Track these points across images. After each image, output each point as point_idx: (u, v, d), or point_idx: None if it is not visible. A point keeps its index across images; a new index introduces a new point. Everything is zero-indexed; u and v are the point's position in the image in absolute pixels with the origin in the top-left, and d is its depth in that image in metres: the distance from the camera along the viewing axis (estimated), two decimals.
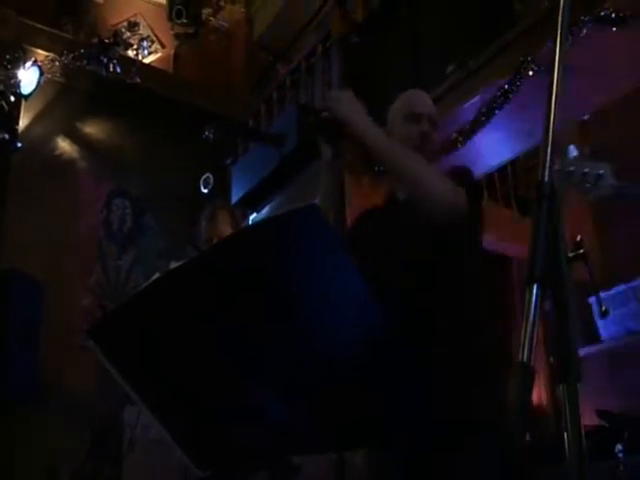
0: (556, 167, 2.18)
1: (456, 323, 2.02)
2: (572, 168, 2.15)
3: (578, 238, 1.28)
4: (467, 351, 1.99)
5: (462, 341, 2.00)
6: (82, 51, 5.59)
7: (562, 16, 1.19)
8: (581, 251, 1.23)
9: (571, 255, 1.10)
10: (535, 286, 0.93)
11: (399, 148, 2.03)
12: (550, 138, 1.03)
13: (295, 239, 1.06)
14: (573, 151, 2.16)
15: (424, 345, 1.86)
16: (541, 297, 0.93)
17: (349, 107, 2.01)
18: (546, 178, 0.99)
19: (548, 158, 1.01)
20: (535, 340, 0.91)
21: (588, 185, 2.11)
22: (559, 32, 1.15)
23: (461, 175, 2.16)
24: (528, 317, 0.92)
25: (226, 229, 3.14)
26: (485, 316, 2.12)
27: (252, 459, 1.55)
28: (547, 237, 0.95)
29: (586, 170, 2.11)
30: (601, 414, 3.91)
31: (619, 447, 3.51)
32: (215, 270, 1.13)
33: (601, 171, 2.11)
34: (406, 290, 2.06)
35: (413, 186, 1.98)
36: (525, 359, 0.90)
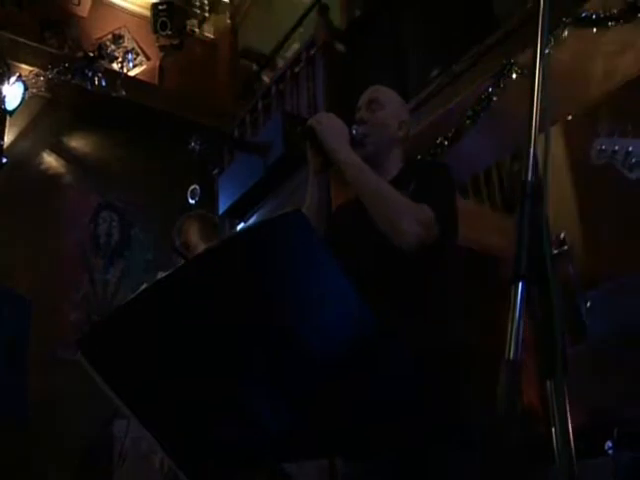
0: (600, 147, 2.17)
1: (424, 323, 2.01)
2: (616, 147, 2.13)
3: (562, 235, 1.28)
4: (435, 352, 1.98)
5: (429, 341, 1.97)
6: (66, 65, 5.57)
7: (542, 19, 1.19)
8: (565, 248, 1.23)
9: (555, 252, 1.10)
10: (520, 283, 0.92)
11: (373, 180, 2.02)
12: (533, 138, 1.03)
13: (281, 244, 1.05)
14: (615, 129, 2.14)
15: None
16: (526, 294, 0.92)
17: (328, 131, 2.06)
18: (529, 177, 0.99)
19: (531, 157, 1.01)
20: (521, 337, 0.90)
21: (632, 163, 2.09)
22: (539, 35, 1.15)
23: (438, 171, 2.19)
24: (514, 314, 0.91)
25: (194, 238, 3.12)
26: (457, 315, 2.11)
27: (245, 469, 1.54)
28: (531, 235, 0.95)
29: (630, 148, 2.09)
30: (590, 411, 3.91)
31: (609, 444, 3.50)
32: (202, 277, 1.12)
33: None
34: (376, 289, 2.07)
35: (382, 221, 1.97)
36: (512, 356, 0.90)
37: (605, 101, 3.84)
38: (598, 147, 2.16)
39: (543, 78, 1.15)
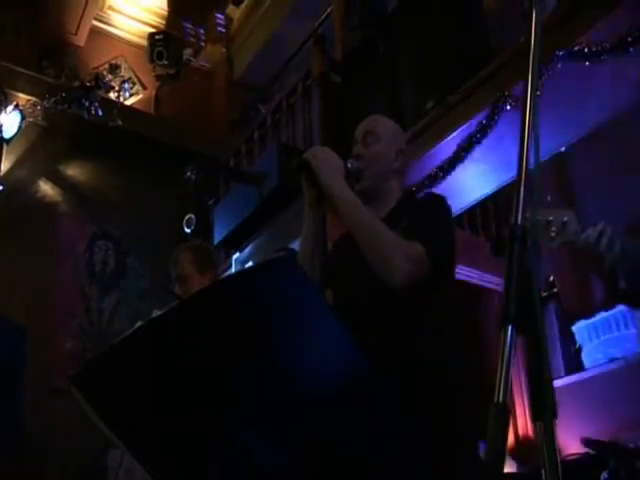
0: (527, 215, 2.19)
1: (416, 358, 2.00)
2: (538, 217, 2.15)
3: (551, 278, 1.28)
4: (428, 389, 1.97)
5: (422, 377, 1.98)
6: (63, 95, 5.59)
7: (533, 54, 1.19)
8: (554, 290, 1.23)
9: (544, 295, 1.11)
10: (509, 327, 0.92)
11: (365, 217, 2.03)
12: (523, 179, 1.04)
13: (274, 288, 1.06)
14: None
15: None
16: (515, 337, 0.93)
17: (323, 165, 2.07)
18: (519, 220, 1.00)
19: (521, 199, 1.02)
20: (511, 380, 0.90)
21: (553, 234, 2.11)
22: (530, 70, 1.16)
23: (433, 204, 2.19)
24: (503, 357, 0.91)
25: (189, 269, 3.12)
26: (453, 348, 2.09)
27: None
28: (520, 278, 0.95)
29: (550, 218, 2.11)
30: (587, 442, 3.89)
31: (605, 475, 3.50)
32: (195, 318, 1.13)
33: (565, 218, 2.11)
34: (370, 323, 2.05)
35: (372, 258, 1.98)
36: (501, 400, 0.90)
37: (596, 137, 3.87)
38: (544, 219, 2.18)
39: (534, 115, 1.15)
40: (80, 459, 5.47)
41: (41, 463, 5.38)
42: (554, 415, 0.94)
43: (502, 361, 0.90)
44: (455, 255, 2.19)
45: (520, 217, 1.00)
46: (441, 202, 2.23)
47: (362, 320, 2.10)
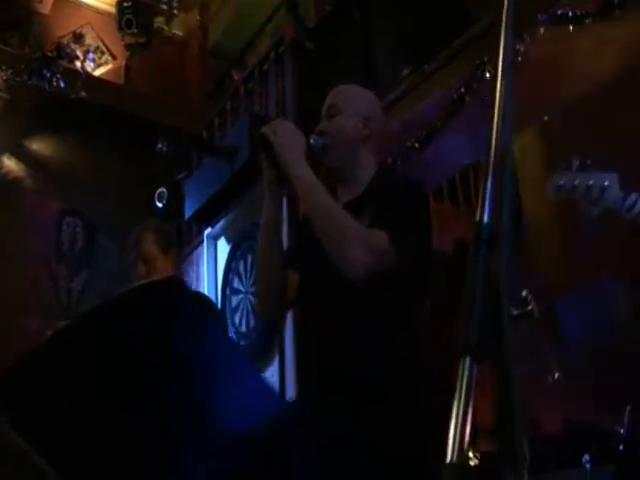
0: (559, 182, 2.01)
1: (375, 348, 1.88)
2: (576, 182, 1.97)
3: (524, 294, 1.08)
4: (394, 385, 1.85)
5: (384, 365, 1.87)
6: (23, 66, 5.31)
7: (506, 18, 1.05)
8: (529, 308, 1.02)
9: (516, 313, 0.90)
10: (467, 359, 0.71)
11: (323, 201, 1.87)
12: (491, 170, 0.83)
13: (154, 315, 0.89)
14: (575, 163, 1.98)
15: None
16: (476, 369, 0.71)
17: (283, 142, 1.89)
18: (486, 218, 0.79)
19: (489, 193, 0.81)
20: (470, 431, 0.69)
21: (593, 199, 1.93)
22: (503, 38, 0.97)
23: (404, 189, 2.02)
24: (459, 401, 0.70)
25: (153, 250, 2.98)
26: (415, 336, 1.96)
27: None
28: (486, 293, 0.74)
29: (590, 182, 1.93)
30: (568, 423, 3.75)
31: (586, 457, 3.37)
32: (87, 339, 0.95)
33: (606, 182, 1.93)
34: (335, 308, 1.94)
35: (329, 247, 1.83)
36: (455, 459, 0.68)
37: (582, 104, 3.67)
38: (556, 182, 2.00)
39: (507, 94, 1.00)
40: None
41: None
42: (525, 465, 0.73)
43: (458, 406, 0.69)
44: (430, 247, 2.01)
45: (487, 215, 0.79)
46: (414, 189, 2.06)
47: (325, 308, 1.98)
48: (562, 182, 2.03)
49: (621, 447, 2.93)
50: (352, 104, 2.12)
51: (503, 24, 1.02)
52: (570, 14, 2.98)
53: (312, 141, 2.03)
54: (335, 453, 1.81)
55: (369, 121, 2.10)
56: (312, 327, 2.06)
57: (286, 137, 1.92)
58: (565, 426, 3.85)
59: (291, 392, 4.00)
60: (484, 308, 0.72)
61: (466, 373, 0.69)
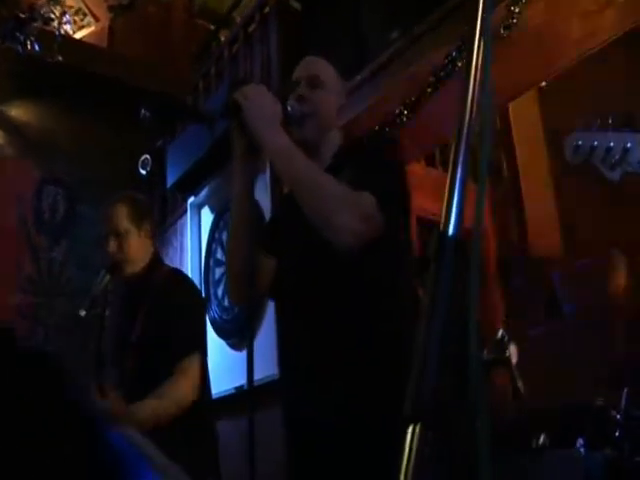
0: (576, 143, 1.85)
1: (372, 324, 1.77)
2: (595, 142, 1.79)
3: (499, 334, 0.89)
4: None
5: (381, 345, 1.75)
6: None
7: None
8: (507, 355, 0.84)
9: (489, 358, 0.72)
10: (417, 428, 0.52)
11: (303, 167, 1.71)
12: (462, 161, 0.65)
13: None
14: (594, 122, 1.81)
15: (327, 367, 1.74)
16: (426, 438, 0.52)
17: (255, 109, 1.73)
18: (451, 227, 0.61)
19: (457, 192, 0.63)
20: None
21: (614, 161, 1.76)
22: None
23: (379, 147, 1.89)
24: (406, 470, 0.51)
25: (124, 224, 2.80)
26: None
27: None
28: (448, 327, 0.55)
29: (611, 144, 1.75)
30: (563, 407, 3.62)
31: (580, 441, 3.24)
32: None
33: (628, 144, 1.75)
34: (318, 288, 1.82)
35: (315, 217, 1.68)
36: None
37: (582, 68, 3.47)
38: (574, 143, 1.81)
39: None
40: None
41: None
42: None
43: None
44: (409, 208, 1.87)
45: (453, 223, 0.61)
46: (391, 144, 1.92)
47: (310, 290, 1.84)
48: (580, 142, 1.85)
49: (617, 433, 2.78)
50: (334, 85, 2.00)
51: None
52: None
53: (289, 108, 1.86)
54: (325, 442, 1.72)
55: (342, 109, 2.03)
56: (294, 312, 1.92)
57: (260, 103, 1.75)
58: (560, 407, 3.72)
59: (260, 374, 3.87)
60: (444, 349, 0.54)
61: (414, 443, 0.50)
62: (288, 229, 1.93)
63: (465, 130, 0.78)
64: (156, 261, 2.91)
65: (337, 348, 1.74)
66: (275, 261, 1.96)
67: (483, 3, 0.85)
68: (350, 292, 1.76)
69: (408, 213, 1.85)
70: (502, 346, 0.80)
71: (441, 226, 0.64)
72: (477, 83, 0.79)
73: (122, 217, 2.82)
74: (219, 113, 1.92)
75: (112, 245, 2.80)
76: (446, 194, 0.69)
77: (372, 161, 1.80)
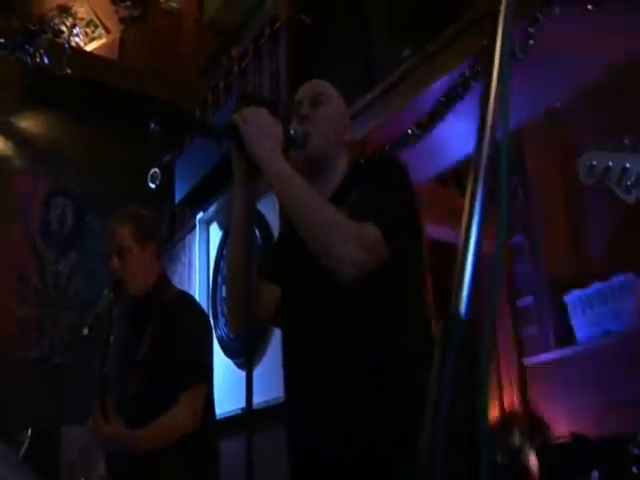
0: (590, 163, 1.78)
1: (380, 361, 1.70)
2: (610, 163, 1.72)
3: (516, 439, 0.81)
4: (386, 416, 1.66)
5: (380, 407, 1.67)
6: (2, 40, 5.02)
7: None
8: (523, 461, 0.76)
9: (503, 463, 0.64)
10: None
11: (304, 195, 1.65)
12: (477, 219, 0.59)
13: None
14: (609, 142, 1.74)
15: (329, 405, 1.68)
16: None
17: (254, 132, 1.67)
18: (461, 306, 0.54)
19: (468, 266, 0.57)
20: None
21: (630, 184, 1.69)
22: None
23: (387, 171, 1.80)
24: None
25: (128, 243, 2.74)
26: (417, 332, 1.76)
27: None
28: (455, 424, 0.49)
29: (627, 165, 1.68)
30: (577, 438, 3.54)
31: (595, 474, 3.17)
32: None
33: None
34: (322, 320, 1.75)
35: (315, 247, 1.62)
36: None
37: (598, 87, 3.39)
38: (587, 163, 1.74)
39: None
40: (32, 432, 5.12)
41: None
42: None
43: None
44: (421, 236, 1.80)
45: (463, 302, 0.54)
46: (398, 168, 1.82)
47: (313, 318, 1.78)
48: (594, 162, 1.78)
49: (635, 469, 2.69)
50: (339, 102, 1.96)
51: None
52: None
53: (292, 131, 1.81)
54: (328, 471, 1.68)
55: (350, 128, 1.98)
56: (298, 339, 1.86)
57: (259, 125, 1.69)
58: (575, 438, 3.64)
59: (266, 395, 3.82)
60: (450, 451, 0.47)
61: None
62: (292, 253, 1.86)
63: (482, 168, 0.71)
64: (163, 281, 2.85)
65: (341, 378, 1.69)
66: (278, 289, 1.90)
67: (504, 23, 0.78)
68: (355, 321, 1.70)
69: (419, 239, 1.78)
70: (520, 454, 0.72)
71: (452, 302, 0.58)
72: (495, 106, 0.71)
73: (126, 235, 2.76)
74: (219, 134, 1.88)
75: (115, 263, 2.75)
76: (464, 217, 0.62)
77: (378, 186, 1.73)
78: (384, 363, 1.68)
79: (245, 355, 4.26)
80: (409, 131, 3.48)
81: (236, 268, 1.83)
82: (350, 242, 1.56)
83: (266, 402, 3.94)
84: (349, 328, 1.70)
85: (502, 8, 0.82)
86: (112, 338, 2.75)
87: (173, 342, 2.60)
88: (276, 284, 1.90)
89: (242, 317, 1.83)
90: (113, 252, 2.77)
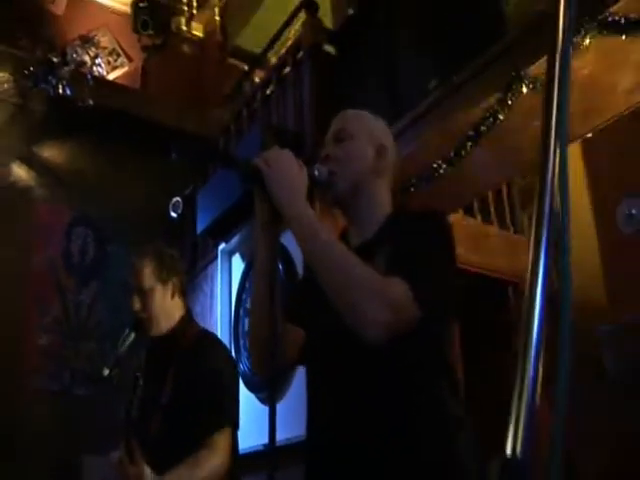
0: (629, 212, 1.70)
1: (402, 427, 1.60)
2: None
3: None
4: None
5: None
6: (26, 71, 5.02)
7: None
8: None
9: None
10: None
11: (328, 247, 1.56)
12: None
13: None
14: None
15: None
16: None
17: (277, 176, 1.58)
18: (519, 449, 0.46)
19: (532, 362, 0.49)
20: None
21: None
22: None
23: (425, 225, 1.70)
24: None
25: (149, 282, 2.69)
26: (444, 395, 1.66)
27: None
28: None
29: None
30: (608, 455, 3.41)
31: None
32: None
33: None
34: (346, 375, 1.66)
35: (339, 304, 1.51)
36: None
37: (633, 118, 3.30)
38: (626, 211, 1.65)
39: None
40: (51, 462, 5.07)
41: (7, 462, 4.94)
42: None
43: None
44: (456, 294, 1.69)
45: (521, 442, 0.46)
46: (438, 221, 1.72)
47: (338, 369, 1.69)
48: (633, 211, 1.69)
49: None
50: (365, 129, 1.83)
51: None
52: (623, 21, 2.59)
53: (316, 172, 1.72)
54: None
55: (384, 150, 1.81)
56: (322, 385, 1.77)
57: (282, 169, 1.60)
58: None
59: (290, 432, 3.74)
60: None
61: None
62: (317, 294, 1.78)
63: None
64: (187, 320, 2.79)
65: (362, 432, 1.61)
66: (303, 330, 1.82)
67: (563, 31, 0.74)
68: (378, 377, 1.62)
69: (453, 297, 1.68)
70: None
71: (507, 446, 0.50)
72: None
73: (147, 274, 2.71)
74: (240, 178, 1.80)
75: (136, 303, 2.70)
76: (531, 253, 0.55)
77: (414, 239, 1.63)
78: (407, 424, 1.59)
79: (268, 392, 4.18)
80: (434, 165, 3.40)
81: (259, 312, 1.75)
82: (375, 301, 1.46)
83: (287, 439, 3.85)
84: (372, 383, 1.62)
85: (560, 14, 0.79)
86: (140, 381, 2.72)
87: (197, 385, 2.55)
88: (301, 326, 1.82)
89: (265, 359, 1.75)
90: (135, 291, 2.72)
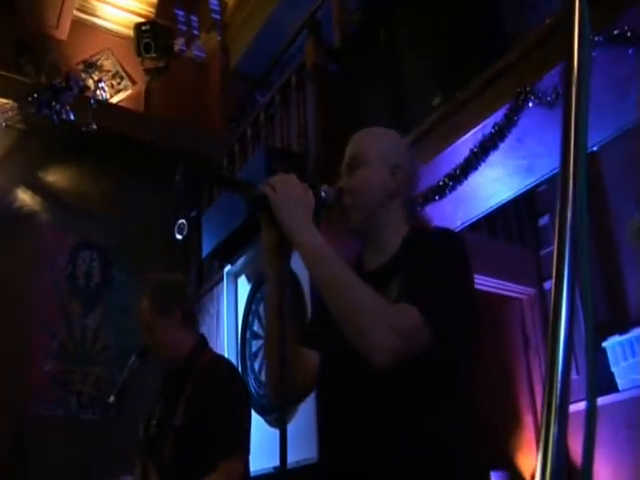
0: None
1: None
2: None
3: None
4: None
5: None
6: (31, 97, 5.02)
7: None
8: None
9: None
10: None
11: (336, 273, 1.53)
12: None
13: None
14: None
15: None
16: None
17: (284, 201, 1.56)
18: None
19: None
20: None
21: None
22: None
23: (440, 248, 1.66)
24: None
25: (150, 318, 2.67)
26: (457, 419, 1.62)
27: None
28: None
29: None
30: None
31: None
32: None
33: None
34: (358, 400, 1.63)
35: (347, 329, 1.49)
36: None
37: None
38: (637, 226, 1.62)
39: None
40: None
41: None
42: None
43: None
44: (475, 317, 1.66)
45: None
46: (453, 242, 1.69)
47: (347, 398, 1.66)
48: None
49: None
50: (377, 152, 1.79)
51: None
52: (629, 34, 2.57)
53: (323, 194, 1.70)
54: None
55: (398, 170, 1.77)
56: (333, 417, 1.74)
57: (288, 194, 1.58)
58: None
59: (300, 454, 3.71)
60: None
61: None
62: (328, 317, 1.74)
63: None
64: (199, 348, 2.76)
65: (374, 459, 1.57)
66: (317, 356, 1.78)
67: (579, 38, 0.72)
68: (390, 405, 1.58)
69: (472, 321, 1.64)
70: None
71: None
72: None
73: (147, 311, 2.69)
74: (246, 204, 1.78)
75: (147, 340, 2.70)
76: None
77: (427, 263, 1.59)
78: (413, 449, 1.55)
79: (278, 415, 4.13)
80: (440, 182, 3.37)
81: (273, 342, 1.71)
82: (384, 327, 1.44)
83: (297, 462, 3.81)
84: (379, 407, 1.59)
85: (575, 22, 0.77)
86: (158, 406, 2.71)
87: (209, 410, 2.53)
88: (316, 350, 1.79)
89: (279, 389, 1.72)
90: (144, 329, 2.71)
